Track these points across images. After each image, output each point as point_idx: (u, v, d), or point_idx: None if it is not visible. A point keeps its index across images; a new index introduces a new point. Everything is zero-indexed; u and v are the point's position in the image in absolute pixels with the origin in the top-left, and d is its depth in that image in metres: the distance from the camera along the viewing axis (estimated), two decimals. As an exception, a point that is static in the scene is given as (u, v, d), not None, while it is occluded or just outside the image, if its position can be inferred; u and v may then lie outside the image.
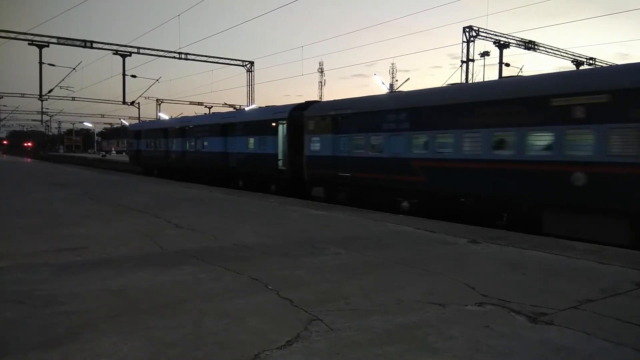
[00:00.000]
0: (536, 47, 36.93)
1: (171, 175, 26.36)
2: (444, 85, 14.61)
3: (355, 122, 14.83)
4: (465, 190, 11.56)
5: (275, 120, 18.59)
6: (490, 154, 11.03)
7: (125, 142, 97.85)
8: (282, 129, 18.40)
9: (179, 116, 29.54)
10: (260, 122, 19.74)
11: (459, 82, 28.62)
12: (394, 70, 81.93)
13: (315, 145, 16.38)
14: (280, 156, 18.33)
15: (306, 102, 18.65)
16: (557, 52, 38.55)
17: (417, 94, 14.27)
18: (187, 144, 25.86)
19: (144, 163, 32.28)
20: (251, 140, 20.18)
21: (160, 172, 29.13)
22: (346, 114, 15.21)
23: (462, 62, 33.33)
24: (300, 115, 17.23)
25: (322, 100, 28.47)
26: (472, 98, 11.90)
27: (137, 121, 75.32)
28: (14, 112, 77.76)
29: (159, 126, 31.57)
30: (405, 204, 13.13)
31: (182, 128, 26.54)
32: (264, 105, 25.85)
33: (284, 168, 18.12)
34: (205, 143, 23.92)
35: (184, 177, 24.72)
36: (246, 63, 45.23)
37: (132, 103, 47.69)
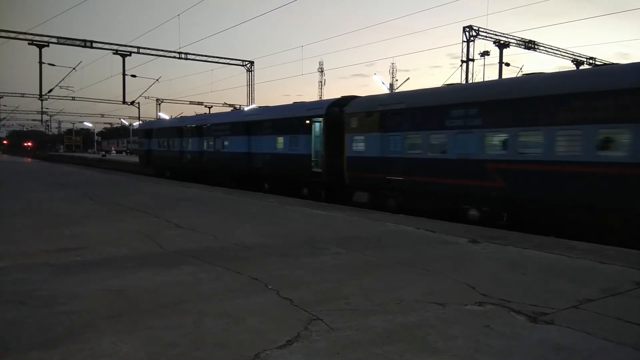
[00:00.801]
0: (536, 46, 36.94)
1: (186, 177, 24.64)
2: (528, 75, 12.10)
3: (410, 118, 13.10)
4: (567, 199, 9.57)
5: (309, 118, 16.77)
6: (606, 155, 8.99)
7: (125, 141, 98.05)
8: (317, 127, 16.66)
9: (195, 114, 27.63)
10: (291, 119, 17.82)
11: (459, 82, 28.57)
12: (394, 70, 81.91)
13: (358, 145, 14.69)
14: (314, 157, 16.57)
15: (343, 97, 16.89)
16: (557, 52, 38.57)
17: (493, 84, 12.53)
18: (205, 143, 24.09)
19: (156, 164, 30.54)
20: (280, 139, 18.36)
21: (173, 174, 27.49)
22: (398, 109, 13.52)
23: (462, 61, 33.33)
24: (340, 112, 15.63)
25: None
26: (578, 87, 9.69)
27: (137, 121, 75.28)
28: (14, 111, 77.82)
29: (173, 124, 29.40)
30: (473, 212, 11.49)
31: (199, 126, 24.82)
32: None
33: (318, 170, 16.37)
34: (226, 142, 22.25)
35: (201, 178, 23.19)
36: (246, 63, 45.25)
37: (132, 103, 47.70)
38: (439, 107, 12.37)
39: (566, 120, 9.64)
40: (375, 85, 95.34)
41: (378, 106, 14.28)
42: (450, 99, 12.25)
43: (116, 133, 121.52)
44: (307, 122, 16.80)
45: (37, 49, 33.59)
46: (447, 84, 15.05)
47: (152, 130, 31.85)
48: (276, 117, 19.16)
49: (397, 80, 77.21)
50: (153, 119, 36.94)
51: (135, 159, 39.33)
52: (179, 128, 27.25)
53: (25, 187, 17.86)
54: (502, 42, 34.86)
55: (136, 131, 39.76)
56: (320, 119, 16.41)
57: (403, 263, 6.33)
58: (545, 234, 8.85)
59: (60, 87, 41.65)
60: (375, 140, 14.10)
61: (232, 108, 52.10)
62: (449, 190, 11.94)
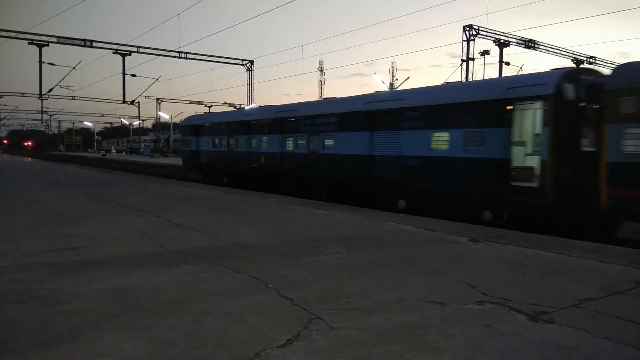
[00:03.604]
0: (536, 45, 36.96)
1: (256, 185, 19.13)
2: None
3: None
4: None
5: (510, 101, 10.80)
6: None
7: (125, 141, 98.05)
8: (523, 116, 11.29)
9: (269, 106, 21.28)
10: (467, 105, 11.84)
11: (459, 81, 28.57)
12: (394, 69, 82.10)
13: None
14: (517, 163, 11.00)
15: (572, 68, 11.78)
16: (557, 51, 38.58)
17: None
18: (291, 142, 18.24)
19: (207, 167, 24.48)
20: (440, 136, 12.43)
21: (234, 180, 21.97)
22: None
23: (462, 60, 33.36)
24: (593, 88, 10.04)
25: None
26: None
27: (137, 120, 75.29)
28: (14, 111, 77.86)
29: (237, 118, 22.76)
30: None
31: (281, 120, 18.74)
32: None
33: (530, 185, 10.50)
34: (329, 141, 16.31)
35: (280, 187, 18.26)
36: (246, 62, 45.27)
37: (132, 102, 47.75)
38: None
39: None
40: (375, 85, 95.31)
41: None
42: None
43: (116, 132, 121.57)
44: (507, 107, 10.83)
45: (37, 49, 33.62)
46: None
47: (204, 125, 25.13)
48: (430, 102, 12.89)
49: (397, 79, 77.36)
50: (204, 113, 30.40)
51: (134, 158, 39.23)
52: (246, 123, 21.08)
53: (25, 186, 17.85)
54: (502, 41, 34.88)
55: (181, 127, 32.43)
56: (538, 102, 10.51)
57: (403, 262, 6.33)
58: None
59: (60, 87, 41.85)
60: None
61: (232, 107, 52.12)
62: None
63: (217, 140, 23.52)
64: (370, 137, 14.46)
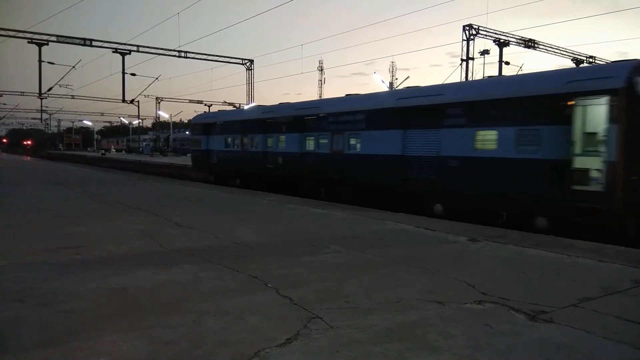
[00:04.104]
0: (536, 45, 36.97)
1: (272, 186, 18.11)
2: None
3: None
4: None
5: (573, 96, 9.82)
6: None
7: (125, 140, 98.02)
8: (589, 113, 10.36)
9: (287, 103, 19.82)
10: (522, 101, 10.67)
11: (459, 80, 28.59)
12: (394, 68, 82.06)
13: None
14: (577, 164, 9.94)
15: None
16: (556, 51, 38.59)
17: None
18: (312, 141, 17.01)
19: (219, 167, 23.38)
20: (487, 135, 11.25)
21: (247, 181, 20.73)
22: None
23: (462, 60, 33.36)
24: None
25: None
26: None
27: (136, 119, 75.21)
28: (14, 110, 77.78)
29: (251, 116, 21.46)
30: None
31: (300, 118, 17.63)
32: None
33: (594, 189, 9.53)
34: (355, 141, 15.14)
35: (298, 188, 17.21)
36: (245, 61, 45.25)
37: (132, 101, 47.71)
38: None
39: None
40: (375, 84, 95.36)
41: None
42: None
43: (116, 131, 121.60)
44: (567, 102, 9.91)
45: (37, 48, 33.58)
46: None
47: (215, 124, 23.89)
48: (476, 97, 11.78)
49: (397, 79, 77.37)
50: (217, 111, 28.13)
51: (133, 157, 39.20)
52: (262, 121, 19.89)
53: (25, 185, 17.84)
54: (502, 40, 34.89)
55: (190, 126, 30.68)
56: (605, 97, 9.49)
57: (403, 262, 6.34)
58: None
59: (60, 86, 41.76)
60: None
61: (232, 107, 52.08)
62: None
63: (229, 140, 22.36)
64: (403, 136, 13.35)
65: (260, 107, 21.64)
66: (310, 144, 17.16)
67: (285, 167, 18.34)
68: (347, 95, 17.19)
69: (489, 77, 14.00)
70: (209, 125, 24.42)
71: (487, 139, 11.18)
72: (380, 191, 14.12)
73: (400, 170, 13.32)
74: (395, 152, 13.45)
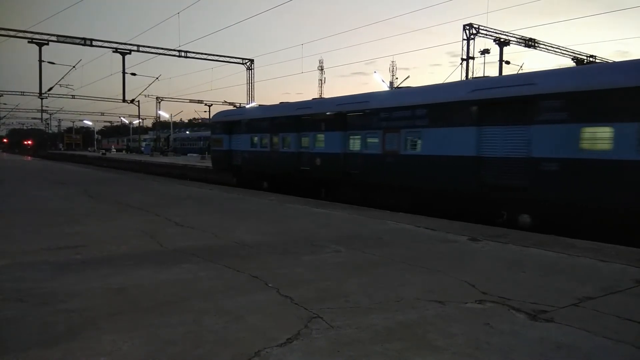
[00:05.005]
0: (536, 44, 36.99)
1: (306, 190, 16.60)
2: None
3: None
4: None
5: None
6: None
7: (125, 140, 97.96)
8: None
9: (324, 98, 17.44)
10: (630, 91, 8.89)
11: (460, 80, 28.56)
12: (394, 68, 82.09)
13: None
14: None
15: None
16: (557, 50, 38.60)
17: None
18: (358, 140, 15.15)
19: (243, 169, 21.35)
20: (599, 132, 9.35)
21: (277, 184, 18.85)
22: None
23: (462, 59, 33.39)
24: None
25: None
26: None
27: (137, 119, 75.19)
28: (14, 110, 77.82)
29: (283, 112, 19.16)
30: None
31: (343, 114, 15.62)
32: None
33: None
34: (414, 139, 13.28)
35: (339, 193, 15.69)
36: (246, 61, 45.27)
37: (132, 101, 47.77)
38: None
39: None
40: (376, 84, 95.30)
41: None
42: None
43: (116, 131, 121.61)
44: None
45: (37, 47, 33.65)
46: None
47: (239, 122, 21.79)
48: (581, 87, 9.65)
49: (397, 78, 77.45)
50: (238, 107, 24.71)
51: (134, 157, 39.20)
52: (296, 118, 17.94)
53: (25, 185, 17.85)
54: (502, 40, 34.91)
55: (210, 124, 28.55)
56: None
57: (403, 261, 6.33)
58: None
59: (60, 86, 41.94)
60: None
61: (232, 106, 52.10)
62: None
63: (256, 139, 20.27)
64: (478, 134, 11.36)
65: (293, 103, 19.71)
66: (355, 144, 15.23)
67: (323, 169, 16.45)
68: (397, 87, 14.00)
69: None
70: (231, 123, 22.26)
71: (599, 137, 9.31)
72: (448, 197, 12.25)
73: (474, 174, 11.43)
74: (468, 153, 11.61)
